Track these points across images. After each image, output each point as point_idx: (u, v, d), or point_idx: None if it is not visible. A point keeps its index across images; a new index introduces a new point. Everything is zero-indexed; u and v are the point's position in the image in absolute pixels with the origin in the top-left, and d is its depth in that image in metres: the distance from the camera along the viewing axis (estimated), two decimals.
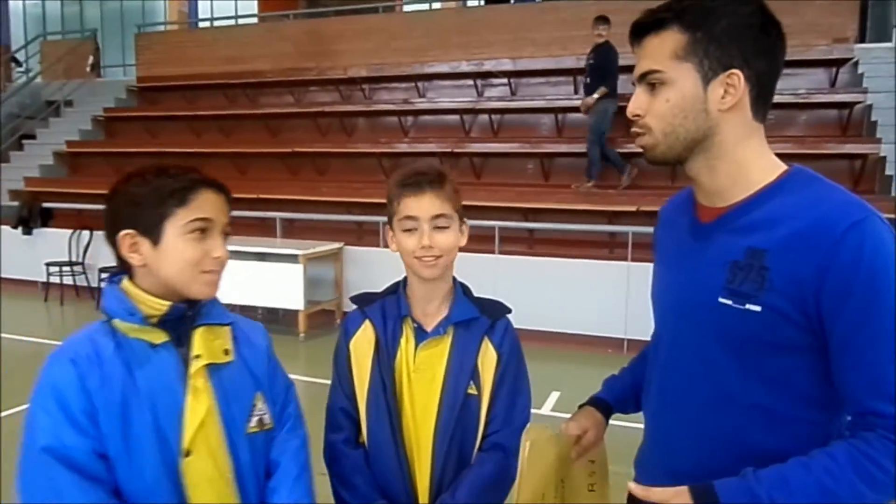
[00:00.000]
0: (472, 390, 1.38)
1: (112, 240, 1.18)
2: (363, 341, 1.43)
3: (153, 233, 1.15)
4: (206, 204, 1.16)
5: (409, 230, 1.37)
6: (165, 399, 1.13)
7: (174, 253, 1.14)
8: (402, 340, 1.41)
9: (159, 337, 1.16)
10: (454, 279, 1.47)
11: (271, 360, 1.33)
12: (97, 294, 7.47)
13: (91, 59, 11.90)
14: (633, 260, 5.56)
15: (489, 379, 1.39)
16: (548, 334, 5.46)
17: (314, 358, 5.44)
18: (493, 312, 1.44)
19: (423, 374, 1.39)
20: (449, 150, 7.62)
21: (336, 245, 6.55)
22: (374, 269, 6.37)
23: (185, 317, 1.18)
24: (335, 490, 1.42)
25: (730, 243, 1.07)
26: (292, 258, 6.05)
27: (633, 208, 6.25)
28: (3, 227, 8.29)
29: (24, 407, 3.99)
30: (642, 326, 6.16)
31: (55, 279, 7.59)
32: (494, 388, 1.39)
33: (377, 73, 9.05)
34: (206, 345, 1.18)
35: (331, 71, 9.34)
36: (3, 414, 4.14)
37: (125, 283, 1.18)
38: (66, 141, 10.08)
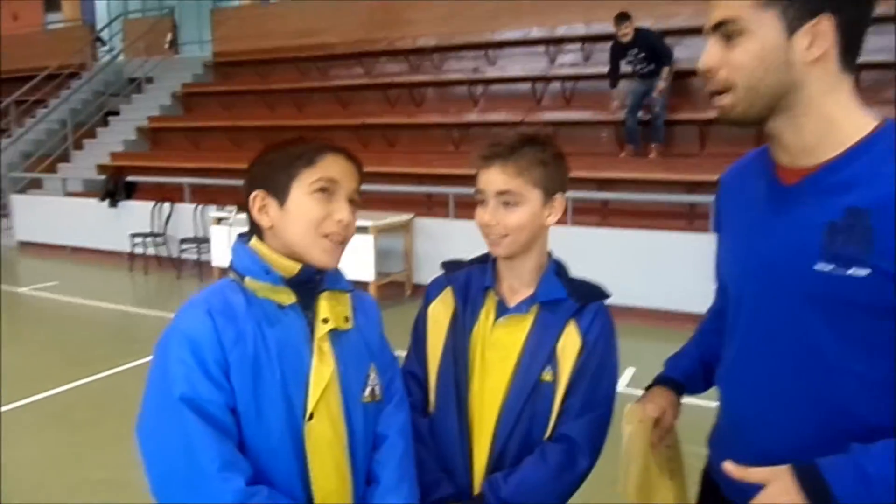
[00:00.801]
0: (548, 376, 1.27)
1: (246, 202, 1.19)
2: (441, 308, 1.38)
3: (281, 193, 1.16)
4: (332, 166, 1.16)
5: (480, 202, 1.30)
6: (293, 360, 1.13)
7: (298, 212, 1.14)
8: (483, 313, 1.33)
9: (289, 298, 1.15)
10: (549, 255, 1.37)
11: (381, 332, 1.33)
12: (178, 265, 7.76)
13: (169, 36, 12.26)
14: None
15: (568, 366, 1.28)
16: (622, 309, 5.28)
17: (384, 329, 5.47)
18: (584, 295, 1.32)
19: (497, 352, 1.30)
20: (520, 119, 7.46)
21: (406, 216, 6.54)
22: (444, 240, 6.36)
23: (312, 280, 1.18)
24: None
25: (823, 204, 0.98)
26: (362, 229, 6.08)
27: (715, 177, 5.93)
28: (91, 199, 8.70)
29: (114, 370, 4.16)
30: None
31: (139, 250, 7.93)
32: (573, 376, 1.28)
33: (447, 41, 8.91)
34: (331, 309, 1.18)
35: (400, 41, 9.28)
36: (91, 378, 4.36)
37: (255, 242, 1.19)
38: (147, 117, 10.46)
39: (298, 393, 1.13)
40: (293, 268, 1.16)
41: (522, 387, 1.28)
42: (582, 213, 6.29)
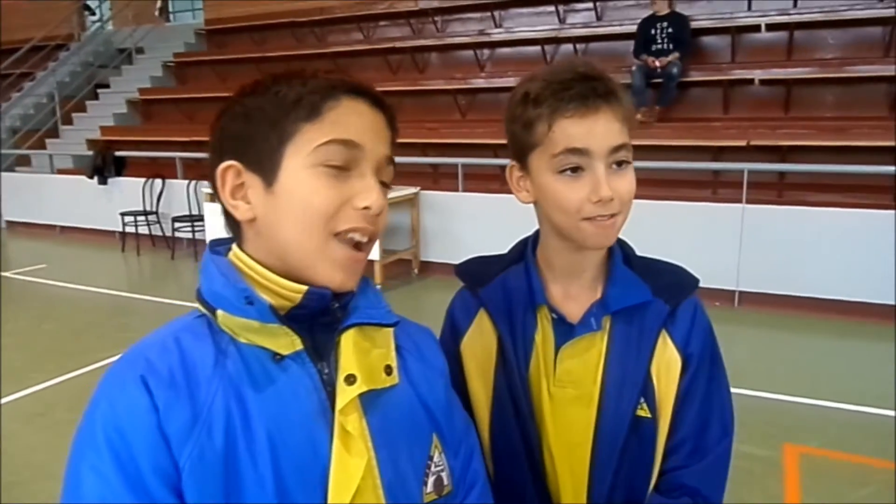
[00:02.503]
0: (644, 411, 0.92)
1: (214, 180, 0.73)
2: (480, 344, 0.98)
3: (266, 165, 0.70)
4: (350, 118, 0.71)
5: (570, 172, 0.87)
6: (298, 448, 0.68)
7: (295, 196, 0.69)
8: (538, 338, 0.95)
9: (290, 343, 0.70)
10: None
11: (448, 384, 0.86)
12: (172, 244, 7.38)
13: (159, 4, 11.74)
14: (749, 202, 4.90)
15: (669, 393, 0.93)
16: None
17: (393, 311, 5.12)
18: (674, 291, 0.94)
19: (567, 391, 0.93)
20: None
21: (411, 190, 6.14)
22: (452, 214, 5.99)
23: (327, 311, 0.73)
24: None
25: None
26: None
27: (743, 143, 5.54)
28: (80, 176, 8.29)
29: (103, 363, 3.68)
30: (757, 277, 5.49)
31: (131, 229, 7.55)
32: (677, 404, 0.93)
33: (450, 2, 8.42)
34: (361, 359, 0.73)
35: (401, 4, 8.78)
36: (79, 372, 4.03)
37: (235, 253, 0.74)
38: (138, 89, 10.01)
39: (310, 501, 0.68)
40: (294, 291, 0.70)
41: (614, 430, 0.91)
42: None
